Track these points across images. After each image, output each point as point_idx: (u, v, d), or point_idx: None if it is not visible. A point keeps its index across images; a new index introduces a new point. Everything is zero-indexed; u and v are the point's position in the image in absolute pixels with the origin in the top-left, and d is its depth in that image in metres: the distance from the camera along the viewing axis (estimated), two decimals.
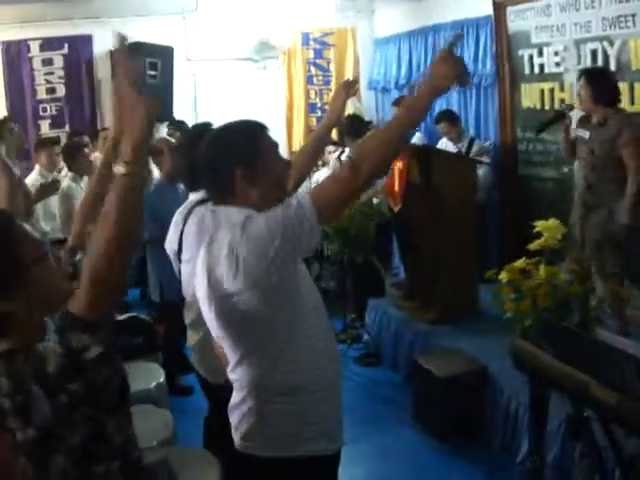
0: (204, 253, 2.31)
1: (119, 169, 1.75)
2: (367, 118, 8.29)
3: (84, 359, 1.71)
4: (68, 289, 1.85)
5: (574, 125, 5.17)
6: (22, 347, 1.72)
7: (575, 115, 5.21)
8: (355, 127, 7.12)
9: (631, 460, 3.19)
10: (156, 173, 6.74)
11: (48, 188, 5.80)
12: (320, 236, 2.20)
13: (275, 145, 2.42)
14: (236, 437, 2.42)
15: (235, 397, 2.41)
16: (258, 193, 2.30)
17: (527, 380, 3.38)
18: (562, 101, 6.10)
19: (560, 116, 5.25)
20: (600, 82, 4.83)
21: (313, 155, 3.32)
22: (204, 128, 3.31)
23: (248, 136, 2.36)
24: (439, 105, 7.95)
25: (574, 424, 3.08)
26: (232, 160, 2.29)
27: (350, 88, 3.27)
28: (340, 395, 2.52)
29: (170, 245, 3.38)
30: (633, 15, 5.24)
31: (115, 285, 1.78)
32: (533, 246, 4.04)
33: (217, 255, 2.22)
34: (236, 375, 2.38)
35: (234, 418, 2.42)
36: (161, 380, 4.57)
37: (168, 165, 5.44)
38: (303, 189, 7.48)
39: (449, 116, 7.11)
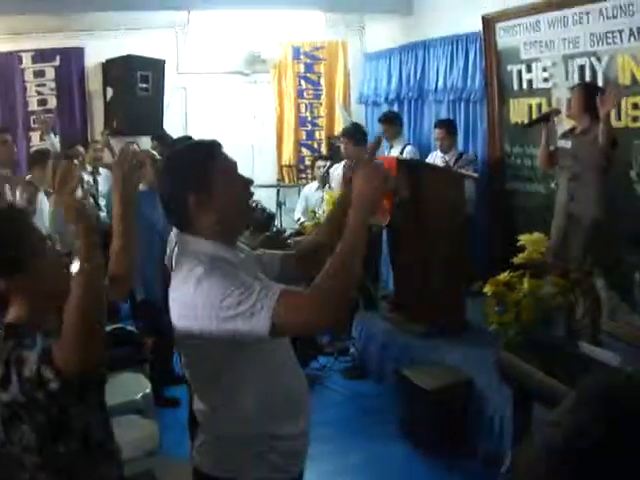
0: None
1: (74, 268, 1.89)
2: None
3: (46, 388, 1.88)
4: (62, 283, 1.99)
5: (557, 135, 5.24)
6: (27, 324, 1.97)
7: (559, 130, 5.27)
8: (357, 135, 7.07)
9: None
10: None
11: None
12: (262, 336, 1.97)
13: (231, 165, 2.24)
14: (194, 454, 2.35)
15: (198, 419, 2.34)
16: (214, 219, 2.16)
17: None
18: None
19: (547, 116, 5.41)
20: (592, 94, 4.90)
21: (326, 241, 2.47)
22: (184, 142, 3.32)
23: (198, 158, 2.20)
24: (429, 118, 8.01)
25: None
26: (183, 186, 2.15)
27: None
28: (307, 415, 2.41)
29: (168, 262, 3.44)
30: (620, 31, 5.28)
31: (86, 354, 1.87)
32: (518, 260, 4.08)
33: (175, 288, 2.17)
34: (195, 406, 2.34)
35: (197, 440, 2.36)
36: (147, 391, 4.57)
37: (150, 176, 5.49)
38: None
39: (449, 125, 7.14)
